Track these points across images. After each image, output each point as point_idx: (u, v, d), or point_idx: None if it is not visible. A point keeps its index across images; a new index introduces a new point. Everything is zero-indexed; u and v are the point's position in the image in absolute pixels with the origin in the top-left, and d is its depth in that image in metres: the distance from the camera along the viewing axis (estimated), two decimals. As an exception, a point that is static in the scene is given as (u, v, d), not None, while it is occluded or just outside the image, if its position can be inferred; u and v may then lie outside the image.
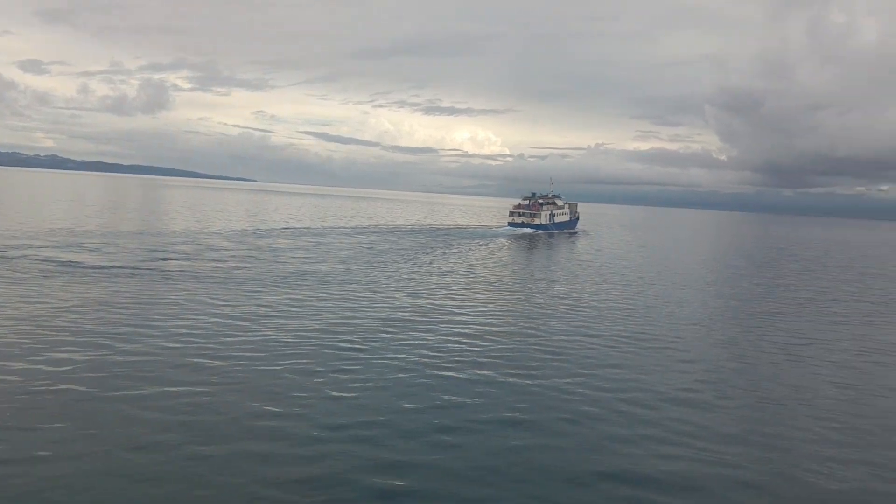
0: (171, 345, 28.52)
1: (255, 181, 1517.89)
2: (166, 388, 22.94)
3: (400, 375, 26.21)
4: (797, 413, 24.67)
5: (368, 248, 77.97)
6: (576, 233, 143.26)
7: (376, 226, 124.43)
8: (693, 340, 36.22)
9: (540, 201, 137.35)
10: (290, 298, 40.68)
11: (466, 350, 30.84)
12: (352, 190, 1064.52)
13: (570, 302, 46.17)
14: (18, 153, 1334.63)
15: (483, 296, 46.86)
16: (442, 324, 36.24)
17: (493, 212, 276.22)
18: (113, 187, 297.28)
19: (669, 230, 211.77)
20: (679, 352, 33.13)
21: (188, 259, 55.55)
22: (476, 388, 25.10)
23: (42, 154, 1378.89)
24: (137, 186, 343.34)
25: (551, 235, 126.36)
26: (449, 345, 31.60)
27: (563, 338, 34.62)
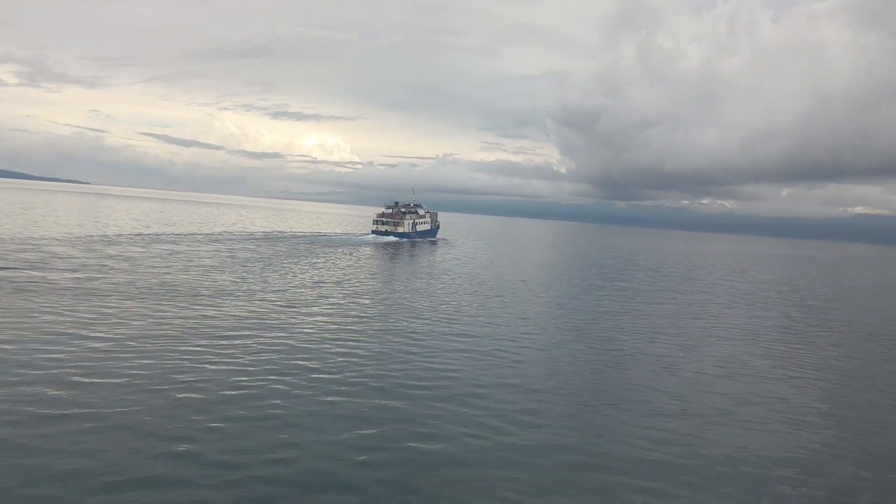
0: (31, 371, 25.41)
1: (89, 184, 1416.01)
2: (33, 430, 20.13)
3: (294, 402, 24.32)
4: (697, 429, 25.44)
5: (229, 256, 74.52)
6: (436, 241, 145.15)
7: (231, 233, 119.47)
8: (574, 353, 36.93)
9: (403, 210, 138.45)
10: (159, 313, 37.78)
11: (357, 368, 29.62)
12: (195, 195, 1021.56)
13: (448, 315, 45.97)
14: None
15: (361, 308, 45.75)
16: (327, 341, 34.63)
17: (350, 219, 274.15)
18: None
19: (521, 239, 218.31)
20: (567, 364, 33.85)
21: (35, 269, 50.44)
22: (377, 415, 23.71)
23: None
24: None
25: (414, 244, 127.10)
26: (338, 364, 30.12)
27: (450, 354, 33.94)
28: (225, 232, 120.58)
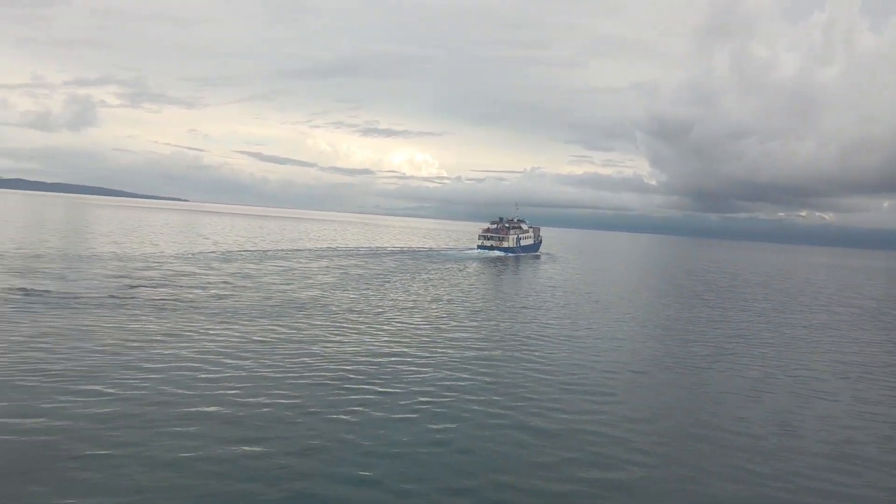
0: (183, 391, 24.51)
1: (188, 201, 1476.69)
2: (201, 453, 18.90)
3: (462, 425, 22.91)
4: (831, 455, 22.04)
5: (343, 272, 73.86)
6: (539, 256, 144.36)
7: (333, 248, 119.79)
8: (694, 369, 34.69)
9: (507, 225, 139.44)
10: (299, 332, 36.88)
11: (509, 392, 27.78)
12: (289, 211, 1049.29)
13: (580, 335, 43.73)
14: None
15: (492, 328, 43.89)
16: (470, 361, 32.88)
17: (442, 234, 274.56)
18: (41, 206, 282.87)
19: (618, 253, 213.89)
20: (725, 396, 31.14)
21: (162, 286, 50.62)
22: (541, 444, 21.73)
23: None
24: (68, 206, 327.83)
25: (518, 259, 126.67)
26: (485, 386, 28.39)
27: (599, 378, 31.88)
28: (328, 248, 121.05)
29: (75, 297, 41.93)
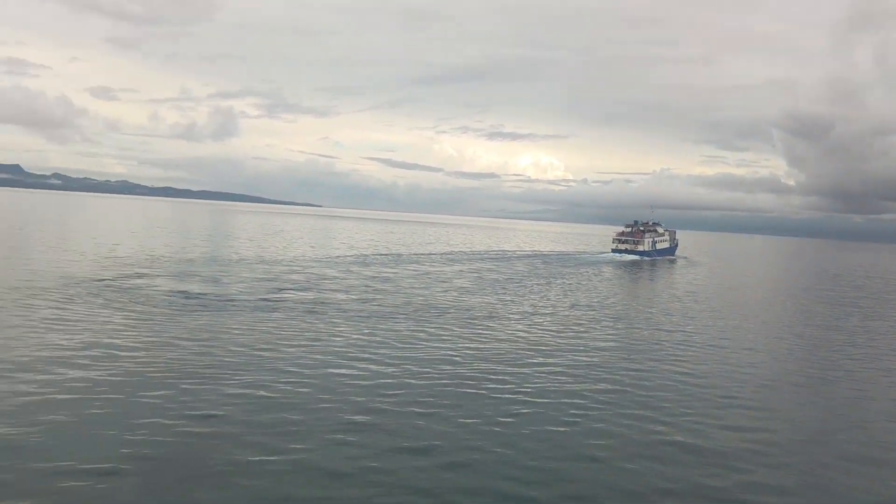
0: (338, 398, 24.75)
1: (321, 206, 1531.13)
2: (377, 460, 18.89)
3: (613, 441, 21.94)
4: None
5: (478, 276, 73.99)
6: (675, 260, 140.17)
7: (463, 252, 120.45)
8: (861, 381, 32.41)
9: (642, 229, 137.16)
10: (444, 338, 36.97)
11: (645, 399, 26.55)
12: (417, 215, 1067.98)
13: (716, 339, 41.69)
14: (89, 179, 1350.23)
15: (637, 337, 42.45)
16: (620, 370, 31.85)
17: (571, 237, 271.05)
18: (190, 213, 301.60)
19: (758, 257, 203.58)
20: (864, 398, 27.85)
21: (308, 289, 52.40)
22: (679, 455, 20.88)
23: (113, 180, 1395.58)
24: (214, 212, 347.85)
25: (654, 262, 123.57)
26: (640, 398, 27.20)
27: (735, 383, 30.53)
28: (458, 251, 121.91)
29: (230, 300, 43.96)
